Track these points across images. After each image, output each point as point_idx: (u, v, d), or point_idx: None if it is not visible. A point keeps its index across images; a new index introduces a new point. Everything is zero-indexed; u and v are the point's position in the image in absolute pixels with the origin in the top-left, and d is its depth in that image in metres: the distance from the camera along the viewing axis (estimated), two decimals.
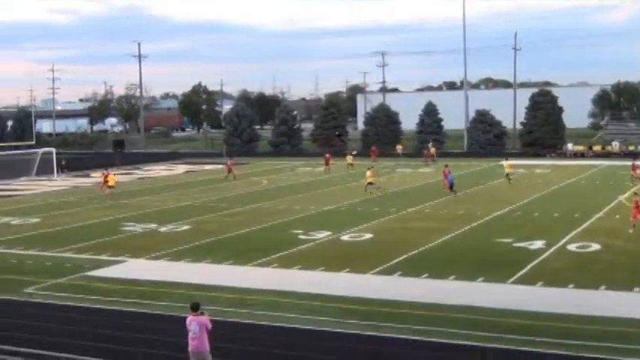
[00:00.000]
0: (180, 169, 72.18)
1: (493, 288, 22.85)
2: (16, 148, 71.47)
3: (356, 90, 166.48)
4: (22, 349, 14.95)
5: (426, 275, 24.47)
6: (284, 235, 32.83)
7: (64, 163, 67.31)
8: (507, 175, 51.26)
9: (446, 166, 49.90)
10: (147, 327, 19.72)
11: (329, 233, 32.83)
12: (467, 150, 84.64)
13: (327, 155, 65.74)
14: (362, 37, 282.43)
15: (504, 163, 53.25)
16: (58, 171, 65.24)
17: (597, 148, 79.39)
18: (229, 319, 19.50)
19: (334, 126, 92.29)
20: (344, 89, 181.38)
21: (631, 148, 77.64)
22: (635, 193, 33.64)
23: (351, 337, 18.43)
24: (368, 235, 32.37)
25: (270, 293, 22.75)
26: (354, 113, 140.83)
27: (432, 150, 72.95)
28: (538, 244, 29.20)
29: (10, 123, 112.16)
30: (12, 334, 18.79)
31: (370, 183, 46.73)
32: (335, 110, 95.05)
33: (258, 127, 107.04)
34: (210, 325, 15.45)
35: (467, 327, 18.76)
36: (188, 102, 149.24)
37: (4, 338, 17.82)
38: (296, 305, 21.38)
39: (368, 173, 47.19)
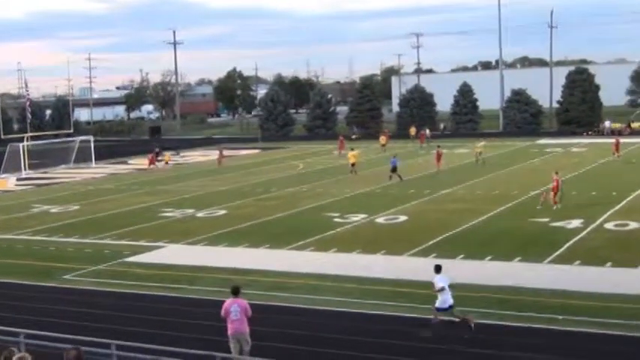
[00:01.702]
0: (215, 154, 72.53)
1: (530, 268, 22.77)
2: (55, 136, 72.39)
3: (390, 72, 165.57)
4: (61, 335, 15.22)
5: (462, 256, 24.43)
6: (320, 219, 32.95)
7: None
8: (479, 154, 51.71)
9: (438, 146, 51.91)
10: (185, 311, 19.99)
11: (364, 216, 32.89)
12: (503, 130, 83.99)
13: (341, 138, 65.80)
14: (396, 19, 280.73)
15: (480, 143, 53.62)
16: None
17: (635, 125, 78.17)
18: (267, 303, 19.67)
19: (369, 108, 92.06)
20: (378, 71, 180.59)
21: None
22: None
23: (390, 320, 18.51)
24: (403, 218, 32.37)
25: (307, 276, 22.89)
26: (388, 95, 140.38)
27: (427, 132, 71.89)
28: (575, 223, 28.98)
29: (48, 112, 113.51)
30: (52, 320, 19.16)
31: (353, 164, 47.98)
32: (369, 93, 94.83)
33: (293, 111, 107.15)
34: (250, 310, 15.64)
35: (502, 307, 18.74)
36: (223, 88, 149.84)
37: (45, 324, 18.17)
38: (332, 288, 21.50)
39: (350, 154, 48.60)
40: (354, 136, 70.97)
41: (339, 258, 25.44)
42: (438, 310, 17.41)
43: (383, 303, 19.77)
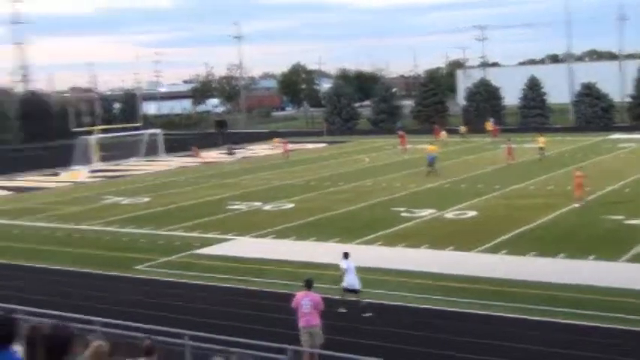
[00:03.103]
0: (281, 148, 72.81)
1: (605, 266, 22.27)
2: (124, 130, 73.58)
3: (456, 65, 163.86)
4: (135, 324, 15.46)
5: (534, 253, 24.02)
6: (387, 213, 32.79)
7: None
8: (541, 150, 50.40)
9: (509, 140, 50.98)
10: (253, 303, 20.12)
11: (432, 211, 32.61)
12: (575, 124, 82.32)
13: (401, 133, 64.96)
14: (461, 11, 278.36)
15: (541, 139, 51.76)
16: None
17: None
18: (334, 297, 19.66)
19: (434, 102, 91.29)
20: (443, 65, 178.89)
21: None
22: None
23: (458, 315, 18.33)
24: (472, 213, 31.98)
25: (375, 271, 22.79)
26: (453, 89, 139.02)
27: (443, 133, 69.99)
28: None
29: (117, 106, 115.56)
30: (125, 310, 19.49)
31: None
32: (434, 86, 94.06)
33: (357, 104, 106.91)
34: (322, 304, 15.65)
35: (577, 306, 18.38)
36: (287, 81, 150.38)
37: (119, 313, 18.50)
38: (400, 283, 21.40)
39: (430, 147, 47.49)
40: (399, 132, 70.23)
41: (407, 253, 25.29)
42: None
43: (449, 299, 19.59)
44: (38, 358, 5.70)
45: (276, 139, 67.54)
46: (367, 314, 18.47)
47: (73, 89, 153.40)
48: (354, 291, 19.01)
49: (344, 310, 18.65)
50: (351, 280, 18.94)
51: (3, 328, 6.11)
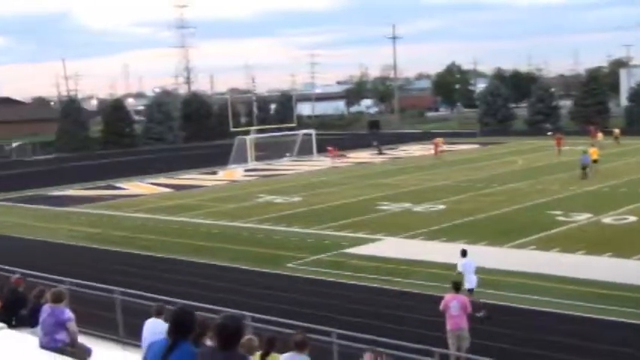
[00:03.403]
0: (442, 147, 71.82)
1: None
2: (278, 130, 75.36)
3: (619, 64, 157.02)
4: (285, 320, 15.76)
5: None
6: (541, 216, 31.87)
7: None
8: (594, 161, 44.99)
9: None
10: (400, 304, 20.09)
11: (590, 215, 31.41)
12: None
13: (559, 136, 62.30)
14: (623, 8, 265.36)
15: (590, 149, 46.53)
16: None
17: None
18: (484, 301, 19.31)
19: (595, 102, 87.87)
20: (605, 64, 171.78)
21: None
22: None
23: (617, 326, 17.56)
24: (632, 218, 30.51)
25: (527, 275, 22.24)
26: (616, 89, 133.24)
27: (600, 135, 65.33)
28: None
29: (273, 106, 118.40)
30: (275, 306, 19.93)
31: (595, 161, 44.74)
32: (595, 86, 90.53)
33: (513, 105, 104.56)
34: (470, 307, 15.44)
35: None
36: (442, 82, 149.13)
37: (269, 309, 18.92)
38: (552, 288, 20.73)
39: (592, 150, 45.24)
40: (549, 133, 67.86)
41: (562, 258, 24.46)
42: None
43: (609, 308, 18.78)
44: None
45: (440, 139, 66.81)
46: (480, 314, 17.92)
47: (232, 90, 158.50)
48: (471, 290, 18.84)
49: (481, 314, 17.98)
50: (469, 279, 18.92)
51: (184, 321, 6.51)
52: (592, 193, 38.19)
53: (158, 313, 12.17)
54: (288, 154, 65.91)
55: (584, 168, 42.97)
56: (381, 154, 66.92)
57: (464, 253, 19.66)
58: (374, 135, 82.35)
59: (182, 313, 6.66)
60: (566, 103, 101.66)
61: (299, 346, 10.29)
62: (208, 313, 11.22)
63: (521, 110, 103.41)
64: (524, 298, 19.95)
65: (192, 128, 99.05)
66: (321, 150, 68.28)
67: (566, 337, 16.93)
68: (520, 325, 17.92)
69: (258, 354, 10.34)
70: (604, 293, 20.05)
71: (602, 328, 17.47)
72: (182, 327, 6.52)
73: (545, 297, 20.03)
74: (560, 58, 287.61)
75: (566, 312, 18.71)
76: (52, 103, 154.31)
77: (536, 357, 15.81)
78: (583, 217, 31.07)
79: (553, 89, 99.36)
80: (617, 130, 68.56)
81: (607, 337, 16.78)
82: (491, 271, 22.90)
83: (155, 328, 11.82)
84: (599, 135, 64.20)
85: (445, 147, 64.28)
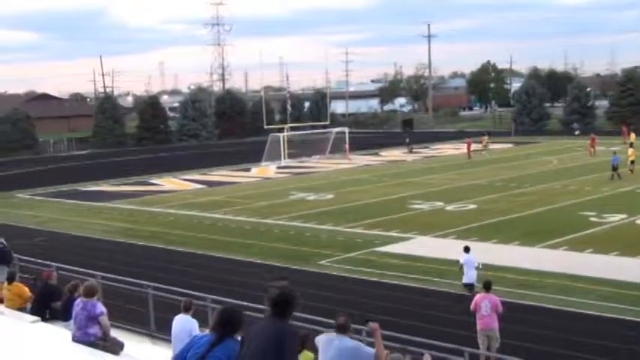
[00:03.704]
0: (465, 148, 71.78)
1: None
2: (312, 127, 75.39)
3: None
4: (317, 318, 15.85)
5: None
6: (574, 217, 31.61)
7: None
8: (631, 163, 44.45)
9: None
10: (432, 303, 20.08)
11: (624, 216, 31.08)
12: None
13: (593, 136, 61.08)
14: None
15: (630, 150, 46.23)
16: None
17: None
18: (515, 301, 19.24)
19: (631, 102, 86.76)
20: None
21: None
22: None
23: None
24: None
25: (559, 276, 22.10)
26: None
27: (633, 135, 64.20)
28: None
29: (307, 104, 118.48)
30: (303, 303, 19.96)
31: (632, 162, 44.22)
32: (632, 86, 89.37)
33: (548, 104, 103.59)
34: (501, 307, 15.40)
35: None
36: (476, 81, 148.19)
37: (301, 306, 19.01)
38: (585, 290, 20.59)
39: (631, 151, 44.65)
40: (576, 133, 67.03)
41: (595, 259, 24.26)
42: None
43: (637, 309, 18.60)
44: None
45: (485, 137, 66.74)
46: None
47: (266, 88, 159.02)
48: (470, 285, 19.36)
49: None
50: (469, 275, 19.51)
51: (231, 319, 6.89)
52: (626, 194, 37.77)
53: (186, 309, 12.32)
54: (317, 157, 65.83)
55: (614, 169, 42.46)
56: (411, 152, 66.79)
57: (467, 249, 20.59)
58: (407, 133, 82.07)
59: (231, 311, 7.19)
60: (602, 103, 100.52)
61: (340, 329, 10.10)
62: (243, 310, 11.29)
63: (557, 110, 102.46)
64: (556, 298, 19.82)
65: (226, 125, 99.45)
66: (356, 148, 68.18)
67: (598, 339, 16.79)
68: (551, 325, 17.81)
69: None
70: (639, 295, 19.85)
71: (637, 330, 17.30)
72: (229, 324, 6.97)
73: (579, 298, 19.88)
74: (596, 57, 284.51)
75: (599, 313, 18.57)
76: (89, 100, 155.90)
77: (565, 358, 15.72)
78: (617, 218, 30.76)
79: (589, 89, 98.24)
80: None
81: (632, 339, 16.62)
82: (523, 271, 22.83)
83: (184, 325, 11.97)
84: (632, 135, 63.28)
85: (487, 145, 64.34)
